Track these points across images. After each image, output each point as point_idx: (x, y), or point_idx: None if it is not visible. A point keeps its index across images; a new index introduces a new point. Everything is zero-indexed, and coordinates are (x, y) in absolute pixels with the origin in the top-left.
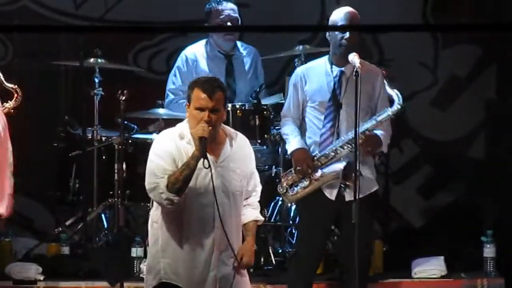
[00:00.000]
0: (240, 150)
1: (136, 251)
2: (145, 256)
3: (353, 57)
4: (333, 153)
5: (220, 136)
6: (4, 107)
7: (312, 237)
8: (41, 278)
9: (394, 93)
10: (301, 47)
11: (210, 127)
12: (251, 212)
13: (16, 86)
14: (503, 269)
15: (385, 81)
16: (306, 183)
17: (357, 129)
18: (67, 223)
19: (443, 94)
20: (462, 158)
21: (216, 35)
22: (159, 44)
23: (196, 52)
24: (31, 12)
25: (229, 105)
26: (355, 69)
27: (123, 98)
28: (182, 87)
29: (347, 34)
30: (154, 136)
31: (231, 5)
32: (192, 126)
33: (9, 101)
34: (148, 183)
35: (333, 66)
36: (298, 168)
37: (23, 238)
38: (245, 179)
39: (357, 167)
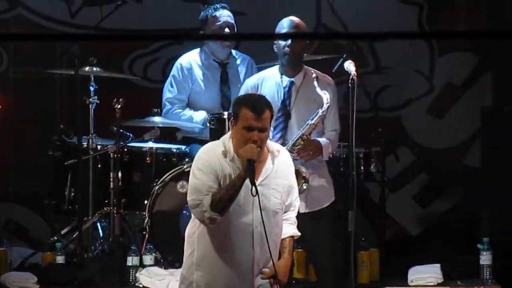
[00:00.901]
0: (282, 167)
1: (131, 260)
2: (140, 264)
3: (349, 65)
4: None
5: (263, 153)
6: None
7: None
8: (37, 287)
9: (323, 93)
10: None
11: (259, 148)
12: (288, 228)
13: None
14: (499, 276)
15: (315, 83)
16: None
17: (352, 142)
18: (63, 232)
19: (439, 101)
20: (458, 166)
21: (212, 43)
22: (154, 53)
23: (191, 60)
24: (26, 20)
25: (225, 113)
26: (351, 77)
27: (119, 106)
28: (178, 96)
29: (288, 42)
30: (150, 144)
31: (227, 12)
32: (239, 145)
33: None
34: (191, 199)
35: (283, 76)
36: None
37: (19, 247)
38: (285, 195)
39: (354, 178)
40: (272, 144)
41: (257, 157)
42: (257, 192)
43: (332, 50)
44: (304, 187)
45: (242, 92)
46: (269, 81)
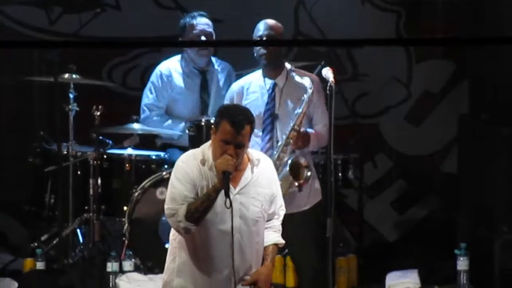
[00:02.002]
0: (262, 175)
1: (111, 266)
2: (120, 270)
3: (327, 72)
4: (278, 162)
5: (242, 162)
6: None
7: None
8: None
9: (303, 80)
10: None
11: (234, 160)
12: (272, 236)
13: None
14: (476, 282)
15: (292, 74)
16: None
17: (330, 149)
18: (43, 238)
19: (416, 109)
20: (435, 173)
21: (190, 50)
22: (133, 60)
23: (171, 68)
24: (5, 28)
25: (203, 120)
26: (329, 84)
27: (98, 113)
28: (157, 103)
29: (263, 52)
30: (129, 151)
31: (205, 20)
32: (216, 156)
33: None
34: (167, 208)
35: (266, 79)
36: None
37: None
38: (267, 203)
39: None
40: (253, 153)
41: (233, 169)
42: (231, 204)
43: (310, 57)
44: (308, 174)
45: (227, 97)
46: (253, 85)
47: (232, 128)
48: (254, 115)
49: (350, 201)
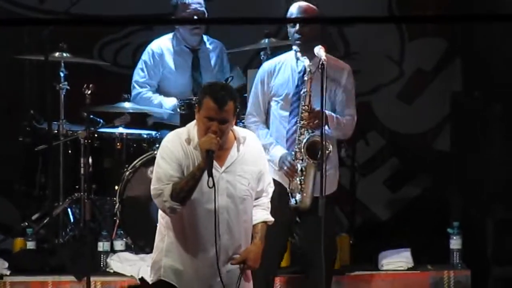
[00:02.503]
0: (249, 153)
1: (102, 245)
2: (111, 250)
3: (319, 50)
4: (298, 147)
5: (228, 140)
6: None
7: (271, 232)
8: (7, 273)
9: (304, 59)
10: (266, 40)
11: (218, 138)
12: (261, 213)
13: None
14: (469, 261)
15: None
16: (298, 182)
17: (323, 127)
18: (33, 217)
19: (409, 87)
20: (428, 151)
21: (182, 29)
22: (124, 38)
23: (162, 46)
24: None
25: (194, 98)
26: (320, 62)
27: (89, 92)
28: (148, 81)
29: (297, 27)
30: (120, 130)
31: None
32: (200, 134)
33: None
34: (153, 188)
35: (298, 62)
36: (285, 171)
37: None
38: (254, 181)
39: (324, 164)
40: (239, 131)
41: (216, 148)
42: (214, 184)
43: None
44: (330, 148)
45: (258, 76)
46: (286, 66)
47: (215, 104)
48: (282, 96)
49: (342, 180)
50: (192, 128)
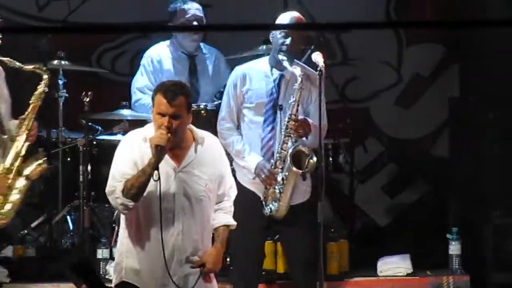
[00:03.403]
0: (208, 154)
1: (101, 253)
2: (110, 257)
3: (317, 56)
4: (281, 155)
5: (186, 140)
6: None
7: (245, 238)
8: (7, 280)
9: (293, 69)
10: (264, 46)
11: (169, 135)
12: (222, 217)
13: (37, 65)
14: (468, 266)
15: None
16: (277, 191)
17: (320, 134)
18: (33, 225)
19: (407, 92)
20: (426, 156)
21: (180, 36)
22: (121, 46)
23: (160, 52)
24: None
25: (193, 105)
26: (318, 68)
27: (87, 99)
28: (148, 85)
29: (287, 41)
30: (118, 137)
31: (196, 5)
32: (155, 131)
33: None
34: (108, 186)
35: (273, 69)
36: (263, 179)
37: None
38: (213, 183)
39: (322, 170)
40: (199, 132)
41: (165, 143)
42: (159, 178)
43: None
44: (312, 160)
45: (230, 80)
46: (258, 72)
47: (165, 99)
48: (255, 103)
49: (340, 186)
50: (150, 127)
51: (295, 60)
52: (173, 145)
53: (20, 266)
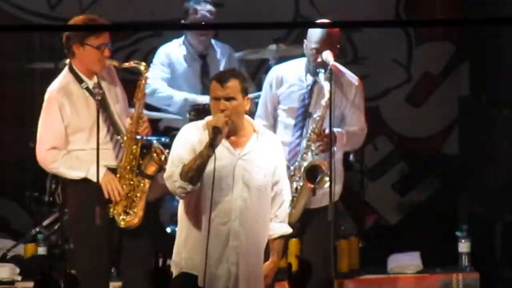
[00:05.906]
0: (268, 147)
1: None
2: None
3: (327, 55)
4: (303, 162)
5: (247, 129)
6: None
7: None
8: (19, 278)
9: (325, 84)
10: (275, 45)
11: (226, 118)
12: (278, 227)
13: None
14: (478, 264)
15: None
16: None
17: (331, 132)
18: (44, 223)
19: (417, 91)
20: (436, 154)
21: (190, 35)
22: (134, 44)
23: (173, 51)
24: (4, 13)
25: (205, 103)
26: (328, 67)
27: (99, 98)
28: (165, 77)
29: (315, 45)
30: None
31: (208, 7)
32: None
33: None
34: (166, 171)
35: (308, 75)
36: None
37: (0, 239)
38: (270, 175)
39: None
40: (259, 126)
41: (223, 125)
42: (214, 156)
43: None
44: (326, 178)
45: (267, 79)
46: (293, 76)
47: (217, 82)
48: (287, 106)
49: (351, 184)
50: (209, 118)
51: (335, 63)
52: (231, 129)
53: (31, 264)
